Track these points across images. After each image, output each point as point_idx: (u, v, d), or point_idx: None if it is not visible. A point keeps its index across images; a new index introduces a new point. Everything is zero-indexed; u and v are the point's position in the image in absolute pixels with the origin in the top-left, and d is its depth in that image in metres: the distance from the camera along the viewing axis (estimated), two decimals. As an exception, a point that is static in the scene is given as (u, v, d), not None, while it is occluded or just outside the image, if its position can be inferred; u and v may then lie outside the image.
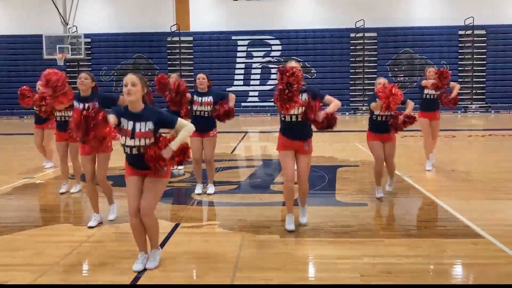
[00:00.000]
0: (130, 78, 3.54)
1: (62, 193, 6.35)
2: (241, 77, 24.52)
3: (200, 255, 4.01)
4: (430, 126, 7.84)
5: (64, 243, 4.39)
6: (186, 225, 4.89)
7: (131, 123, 3.55)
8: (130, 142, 3.54)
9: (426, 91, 7.65)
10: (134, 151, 3.56)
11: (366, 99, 24.04)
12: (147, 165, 3.54)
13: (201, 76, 6.11)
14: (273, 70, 24.46)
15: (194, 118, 6.09)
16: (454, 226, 4.72)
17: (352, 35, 24.30)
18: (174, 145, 3.49)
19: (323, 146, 10.79)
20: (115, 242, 4.42)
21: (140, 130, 3.53)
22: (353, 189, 6.45)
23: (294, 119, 4.51)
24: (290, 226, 4.63)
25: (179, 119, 3.61)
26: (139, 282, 3.47)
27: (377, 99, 5.86)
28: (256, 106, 24.04)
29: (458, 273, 3.71)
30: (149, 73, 24.66)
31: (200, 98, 6.06)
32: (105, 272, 3.67)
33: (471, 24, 23.21)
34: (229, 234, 4.57)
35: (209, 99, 6.04)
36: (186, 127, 3.56)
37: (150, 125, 3.54)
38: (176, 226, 4.83)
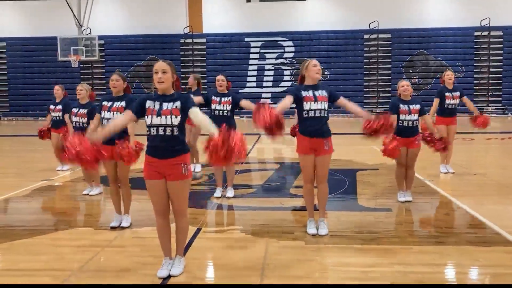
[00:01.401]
0: (160, 65, 3.47)
1: (84, 194, 6.41)
2: (254, 78, 24.47)
3: (224, 261, 3.91)
4: (447, 131, 7.73)
5: (86, 247, 4.34)
6: (207, 230, 4.81)
7: (158, 103, 3.47)
8: (156, 120, 3.42)
9: (448, 101, 7.51)
10: (160, 131, 3.41)
11: (380, 101, 23.83)
12: (169, 153, 3.42)
13: (220, 77, 6.12)
14: (286, 72, 24.39)
15: (213, 118, 6.05)
16: (484, 233, 4.57)
17: (366, 36, 24.11)
18: (213, 129, 3.29)
19: (339, 149, 10.63)
20: (136, 247, 4.34)
21: (167, 108, 3.44)
22: (375, 193, 6.31)
23: (312, 114, 4.44)
24: (312, 230, 4.56)
25: (197, 109, 3.47)
26: (164, 290, 3.39)
27: (400, 105, 5.72)
28: (269, 108, 23.92)
29: (494, 283, 3.57)
30: (162, 75, 24.75)
31: (218, 98, 6.08)
32: (129, 278, 3.60)
33: (487, 25, 22.88)
34: (252, 239, 4.47)
35: (229, 99, 6.07)
36: (205, 119, 3.41)
37: (177, 103, 3.46)
38: (198, 230, 4.74)
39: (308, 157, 4.51)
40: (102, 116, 4.86)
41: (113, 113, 4.81)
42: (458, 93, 7.55)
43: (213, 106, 6.06)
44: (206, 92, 6.52)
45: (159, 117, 3.42)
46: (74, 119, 6.39)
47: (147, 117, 3.45)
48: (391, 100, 5.89)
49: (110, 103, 4.87)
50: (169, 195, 3.55)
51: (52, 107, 8.07)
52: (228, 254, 4.10)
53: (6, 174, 8.48)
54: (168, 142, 3.44)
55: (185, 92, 8.18)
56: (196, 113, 3.46)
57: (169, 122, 3.41)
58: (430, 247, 4.18)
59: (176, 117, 3.42)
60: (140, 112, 3.53)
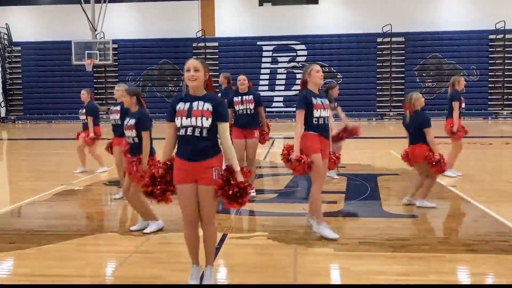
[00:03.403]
0: (193, 63, 3.37)
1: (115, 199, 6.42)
2: (266, 82, 24.43)
3: (255, 269, 3.86)
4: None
5: (113, 253, 4.33)
6: (234, 236, 4.77)
7: (188, 104, 3.36)
8: (186, 122, 3.30)
9: (463, 105, 7.60)
10: (189, 132, 3.30)
11: (393, 105, 23.68)
12: (198, 156, 3.34)
13: (242, 77, 6.31)
14: (298, 76, 24.33)
15: (237, 116, 6.24)
16: (516, 241, 4.48)
17: (379, 39, 23.98)
18: (236, 167, 3.37)
19: (357, 154, 10.58)
20: (164, 253, 4.31)
21: (197, 108, 3.32)
22: (399, 199, 6.22)
23: (322, 121, 4.55)
24: (334, 235, 4.57)
25: (227, 126, 3.41)
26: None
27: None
28: (281, 111, 23.91)
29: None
30: (175, 79, 24.84)
31: (240, 98, 6.23)
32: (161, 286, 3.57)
33: (502, 28, 22.66)
34: (281, 246, 4.42)
35: (250, 97, 6.24)
36: (231, 147, 3.39)
37: (208, 105, 3.34)
38: (224, 236, 4.71)
39: (320, 156, 4.55)
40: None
41: (128, 131, 4.94)
42: None
43: (236, 107, 6.18)
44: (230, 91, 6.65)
45: (189, 119, 3.30)
46: (111, 116, 6.38)
47: (177, 118, 3.35)
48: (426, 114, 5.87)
49: (126, 120, 5.01)
50: (198, 200, 3.46)
51: (80, 110, 8.47)
52: (257, 261, 4.05)
53: (26, 178, 8.52)
54: (199, 144, 3.32)
55: (217, 91, 8.23)
56: (224, 132, 3.36)
57: (199, 124, 3.29)
58: (463, 255, 4.10)
59: (207, 119, 3.29)
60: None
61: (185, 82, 3.42)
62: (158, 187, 3.39)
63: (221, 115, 3.36)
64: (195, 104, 3.34)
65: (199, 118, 3.29)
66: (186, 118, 3.31)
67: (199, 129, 3.31)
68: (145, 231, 4.85)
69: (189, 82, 3.36)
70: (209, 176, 3.35)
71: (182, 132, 3.35)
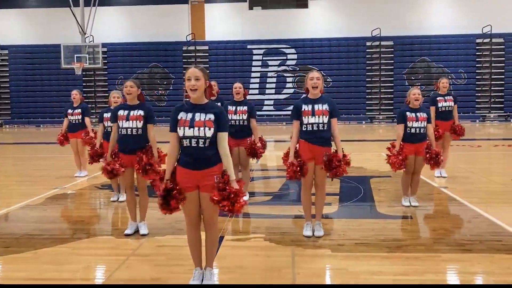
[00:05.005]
0: (193, 72, 3.36)
1: (113, 201, 6.39)
2: (257, 86, 24.47)
3: (254, 271, 3.87)
4: (443, 137, 7.81)
5: (110, 256, 4.30)
6: (230, 238, 4.77)
7: (190, 114, 3.38)
8: (188, 132, 3.32)
9: (440, 104, 7.63)
10: (193, 143, 3.32)
11: (382, 108, 23.89)
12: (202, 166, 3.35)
13: (237, 85, 6.21)
14: (288, 79, 24.43)
15: (230, 126, 6.07)
16: (509, 241, 4.54)
17: (368, 43, 24.19)
18: (232, 176, 3.37)
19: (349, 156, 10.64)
20: (161, 255, 4.30)
21: (200, 119, 3.34)
22: (393, 201, 6.28)
23: (310, 128, 4.59)
24: (307, 232, 4.72)
25: (226, 136, 3.43)
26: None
27: (407, 112, 5.76)
28: (272, 115, 23.98)
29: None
30: (165, 82, 24.78)
31: (234, 108, 6.13)
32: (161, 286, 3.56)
33: (489, 32, 23.01)
34: (278, 248, 4.44)
35: (244, 108, 6.13)
36: (228, 156, 3.40)
37: (210, 115, 3.36)
38: (221, 238, 4.71)
39: (308, 163, 4.64)
40: (120, 125, 4.80)
41: (132, 122, 4.76)
42: (451, 97, 7.71)
43: (229, 116, 6.07)
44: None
45: (192, 129, 3.32)
46: (106, 124, 6.29)
47: (179, 128, 3.36)
48: (399, 110, 5.94)
49: (126, 112, 4.80)
50: (200, 205, 3.48)
51: (70, 111, 8.35)
52: (256, 263, 4.06)
53: (17, 182, 8.44)
54: (202, 154, 3.36)
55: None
56: (223, 141, 3.38)
57: (202, 134, 3.31)
58: (458, 255, 4.15)
59: (209, 129, 3.32)
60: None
61: (185, 90, 3.43)
62: (172, 202, 3.39)
63: (222, 125, 3.40)
64: (197, 114, 3.37)
65: (201, 129, 3.33)
66: (189, 128, 3.34)
67: (203, 140, 3.34)
68: (144, 232, 4.85)
69: (191, 92, 3.38)
70: (211, 183, 3.38)
71: (186, 142, 3.37)
